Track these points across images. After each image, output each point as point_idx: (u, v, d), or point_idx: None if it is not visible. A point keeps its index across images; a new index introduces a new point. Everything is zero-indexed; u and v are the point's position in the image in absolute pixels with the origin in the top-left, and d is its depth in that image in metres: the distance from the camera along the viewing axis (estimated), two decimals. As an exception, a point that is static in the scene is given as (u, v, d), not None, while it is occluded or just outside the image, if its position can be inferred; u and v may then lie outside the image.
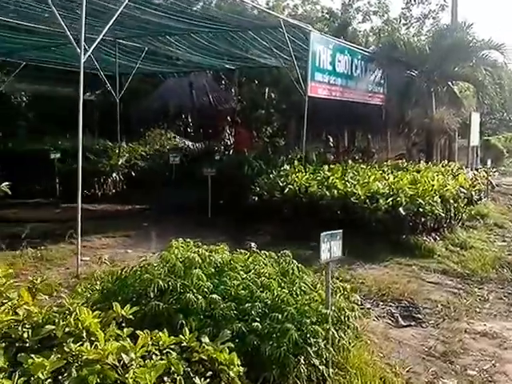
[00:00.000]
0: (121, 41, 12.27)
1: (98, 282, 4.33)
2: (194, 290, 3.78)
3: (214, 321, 3.60)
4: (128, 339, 3.03)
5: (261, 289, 3.93)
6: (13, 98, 21.35)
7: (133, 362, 2.78)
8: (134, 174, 13.50)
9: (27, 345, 3.06)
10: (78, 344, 2.85)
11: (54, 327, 3.05)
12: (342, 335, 3.86)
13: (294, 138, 18.11)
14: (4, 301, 3.52)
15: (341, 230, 4.02)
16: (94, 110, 19.44)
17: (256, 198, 9.47)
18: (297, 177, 9.44)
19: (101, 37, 6.21)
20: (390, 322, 5.35)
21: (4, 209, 11.28)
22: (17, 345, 3.03)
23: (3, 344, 2.96)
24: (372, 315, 5.42)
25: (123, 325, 3.29)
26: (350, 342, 3.95)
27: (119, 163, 13.09)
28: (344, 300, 4.28)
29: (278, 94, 19.60)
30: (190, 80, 19.53)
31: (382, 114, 16.36)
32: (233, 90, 20.15)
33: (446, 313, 5.60)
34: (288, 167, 10.00)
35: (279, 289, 3.95)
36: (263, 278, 4.02)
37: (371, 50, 16.26)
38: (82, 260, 7.18)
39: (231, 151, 15.34)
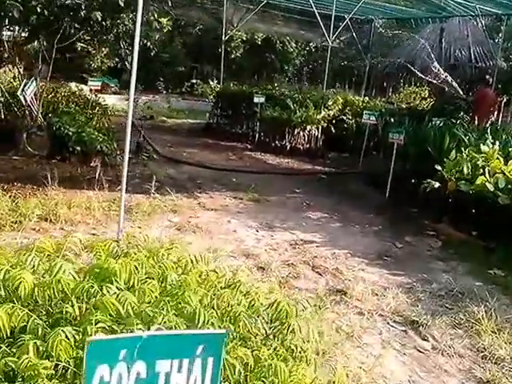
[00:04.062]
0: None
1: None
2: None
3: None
4: None
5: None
6: (279, 42, 21.52)
7: None
8: (333, 130, 11.64)
9: None
10: None
11: None
12: None
13: None
14: None
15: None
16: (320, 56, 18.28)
17: (436, 184, 6.74)
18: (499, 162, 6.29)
19: None
20: None
21: (194, 148, 11.03)
22: None
23: None
24: None
25: None
26: None
27: (318, 117, 11.36)
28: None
29: None
30: (446, 28, 16.11)
31: None
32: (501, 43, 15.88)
33: None
34: (486, 148, 6.72)
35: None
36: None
37: None
38: (169, 220, 6.05)
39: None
